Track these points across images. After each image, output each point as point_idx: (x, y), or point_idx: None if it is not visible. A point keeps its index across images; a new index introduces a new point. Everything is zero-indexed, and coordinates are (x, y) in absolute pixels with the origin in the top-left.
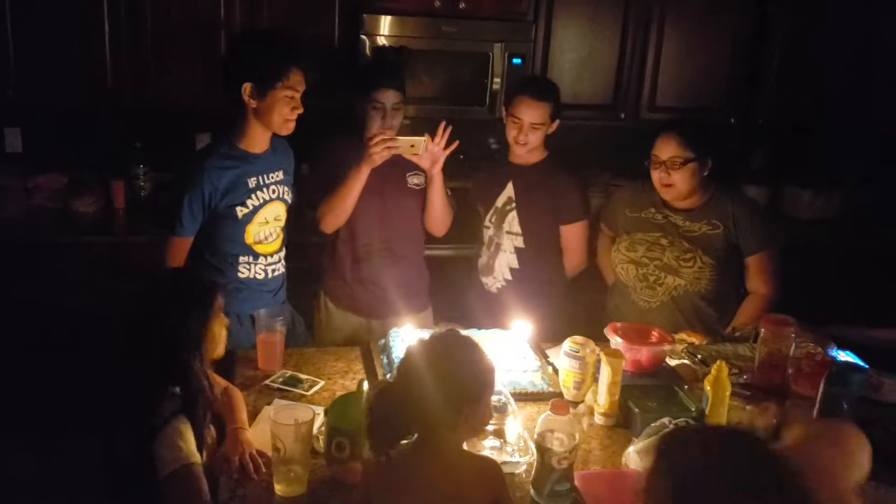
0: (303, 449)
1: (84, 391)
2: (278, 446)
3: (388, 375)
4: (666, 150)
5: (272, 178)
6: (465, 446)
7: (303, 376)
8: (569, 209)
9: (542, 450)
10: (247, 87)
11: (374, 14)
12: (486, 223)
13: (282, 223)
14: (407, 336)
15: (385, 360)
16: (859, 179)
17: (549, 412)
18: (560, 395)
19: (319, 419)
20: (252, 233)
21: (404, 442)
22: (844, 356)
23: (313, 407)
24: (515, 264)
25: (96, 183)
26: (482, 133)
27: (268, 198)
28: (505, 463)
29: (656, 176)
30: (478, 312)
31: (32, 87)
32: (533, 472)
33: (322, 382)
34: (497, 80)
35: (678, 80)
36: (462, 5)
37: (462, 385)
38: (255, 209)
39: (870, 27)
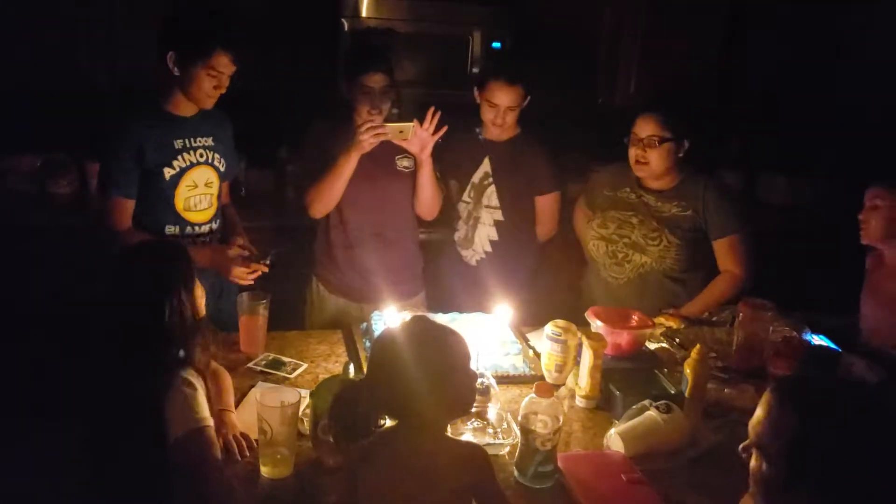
0: (289, 431)
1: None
2: (265, 428)
3: None
4: (645, 128)
5: (200, 141)
6: (448, 431)
7: (286, 359)
8: (543, 181)
9: (526, 432)
10: (171, 56)
11: None
12: (465, 198)
13: (213, 191)
14: (389, 319)
15: (368, 344)
16: (833, 166)
17: (532, 395)
18: (542, 377)
19: (305, 402)
20: (181, 197)
21: (386, 426)
22: (818, 340)
23: (298, 390)
24: (495, 236)
25: (71, 164)
26: (463, 116)
27: (195, 160)
28: (488, 445)
29: (632, 153)
30: (458, 287)
31: (3, 67)
32: (517, 454)
33: (305, 365)
34: (476, 63)
35: (656, 66)
36: None
37: (436, 368)
38: (182, 171)
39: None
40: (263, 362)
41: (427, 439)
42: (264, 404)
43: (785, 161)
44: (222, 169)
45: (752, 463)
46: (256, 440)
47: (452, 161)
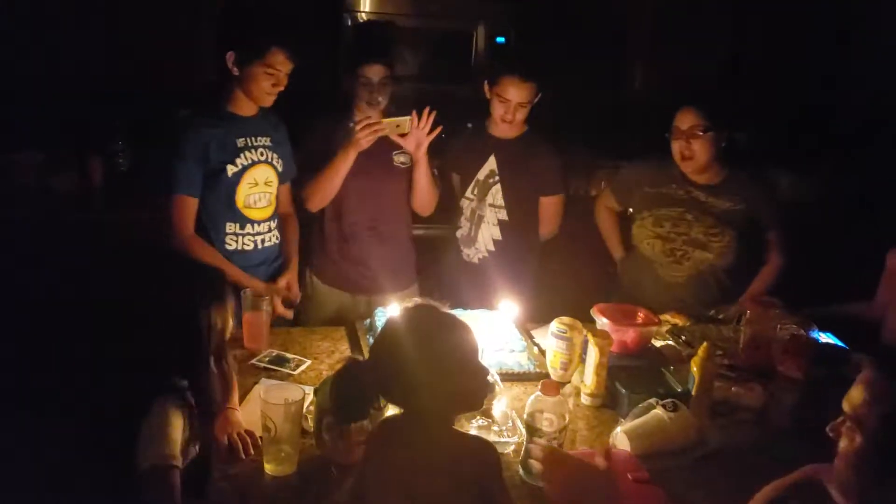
0: (292, 429)
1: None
2: (269, 426)
3: None
4: (686, 120)
5: (260, 140)
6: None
7: (289, 356)
8: (550, 183)
9: (532, 430)
10: (230, 56)
11: None
12: (469, 195)
13: (272, 189)
14: (392, 314)
15: (371, 340)
16: (840, 164)
17: (538, 392)
18: (547, 375)
19: (308, 399)
20: (242, 194)
21: (386, 417)
22: (825, 338)
23: (302, 386)
24: (498, 236)
25: (74, 160)
26: (465, 111)
27: (256, 159)
28: (493, 443)
29: (677, 147)
30: (461, 285)
31: (6, 63)
32: (522, 452)
33: (308, 362)
34: (480, 57)
35: (662, 62)
36: None
37: (443, 359)
38: (244, 168)
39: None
40: (267, 359)
41: (434, 431)
42: (268, 401)
43: (789, 158)
44: (280, 169)
45: (844, 442)
46: (260, 437)
47: (456, 155)
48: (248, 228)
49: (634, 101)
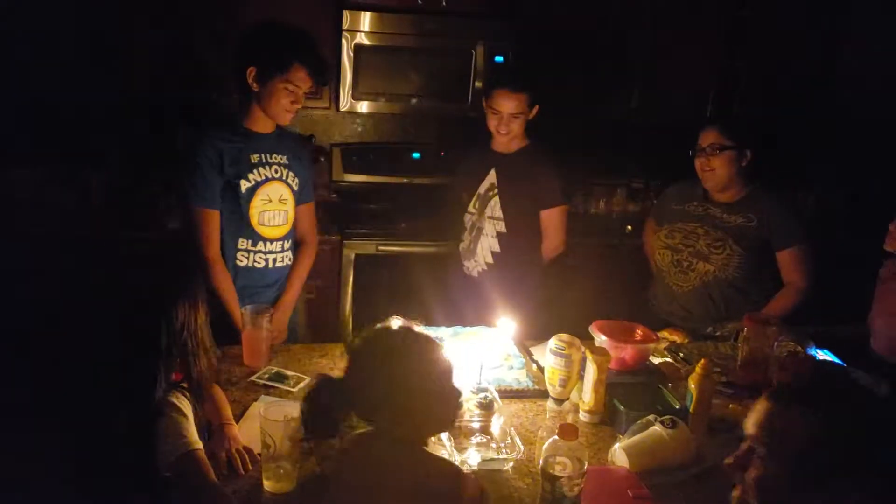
0: (292, 446)
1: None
2: (268, 443)
3: None
4: (707, 138)
5: (275, 158)
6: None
7: (289, 373)
8: (549, 194)
9: (550, 478)
10: (251, 71)
11: (356, 10)
12: (470, 209)
13: (287, 208)
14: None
15: None
16: (832, 181)
17: (555, 437)
18: (545, 393)
19: None
20: (256, 210)
21: (359, 431)
22: (823, 354)
23: (298, 404)
24: (497, 248)
25: (72, 176)
26: (466, 131)
27: (270, 175)
28: (492, 460)
29: (698, 163)
30: (460, 298)
31: (5, 78)
32: (538, 501)
33: (308, 379)
34: (479, 77)
35: (658, 80)
36: (444, 2)
37: (414, 379)
38: (258, 184)
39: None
40: (266, 376)
41: (402, 452)
42: (268, 418)
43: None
44: (296, 188)
45: (752, 472)
46: (259, 454)
47: (463, 175)
48: (260, 246)
49: (633, 119)
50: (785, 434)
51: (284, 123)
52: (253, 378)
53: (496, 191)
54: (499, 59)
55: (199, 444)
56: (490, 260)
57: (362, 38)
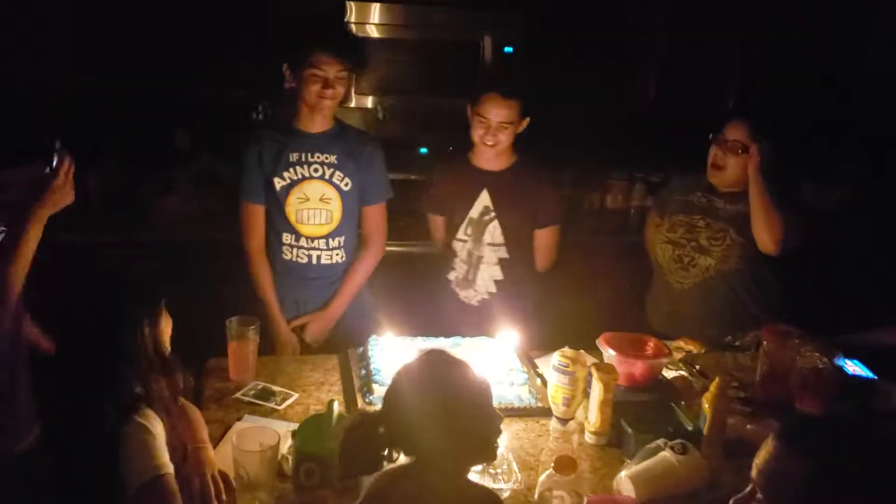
0: (268, 475)
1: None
2: (241, 473)
3: (366, 391)
4: (734, 132)
5: (319, 157)
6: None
7: (276, 388)
8: (546, 214)
9: None
10: (286, 69)
11: (362, 1)
12: (461, 236)
13: (331, 207)
14: (386, 344)
15: (363, 372)
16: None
17: (551, 470)
18: (550, 410)
19: (288, 439)
20: (292, 208)
21: (391, 466)
22: (852, 366)
23: (283, 423)
24: (500, 276)
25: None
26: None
27: (307, 174)
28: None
29: (713, 152)
30: (460, 325)
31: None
32: None
33: (296, 395)
34: (488, 69)
35: (677, 72)
36: None
37: (452, 407)
38: (293, 183)
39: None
40: (252, 392)
41: (439, 480)
42: (241, 448)
43: (808, 167)
44: (345, 188)
45: None
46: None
47: (441, 196)
48: (302, 242)
49: (645, 112)
50: (782, 478)
51: (322, 113)
52: (238, 395)
53: (493, 214)
54: (508, 49)
55: (169, 469)
56: (493, 289)
57: (367, 31)
